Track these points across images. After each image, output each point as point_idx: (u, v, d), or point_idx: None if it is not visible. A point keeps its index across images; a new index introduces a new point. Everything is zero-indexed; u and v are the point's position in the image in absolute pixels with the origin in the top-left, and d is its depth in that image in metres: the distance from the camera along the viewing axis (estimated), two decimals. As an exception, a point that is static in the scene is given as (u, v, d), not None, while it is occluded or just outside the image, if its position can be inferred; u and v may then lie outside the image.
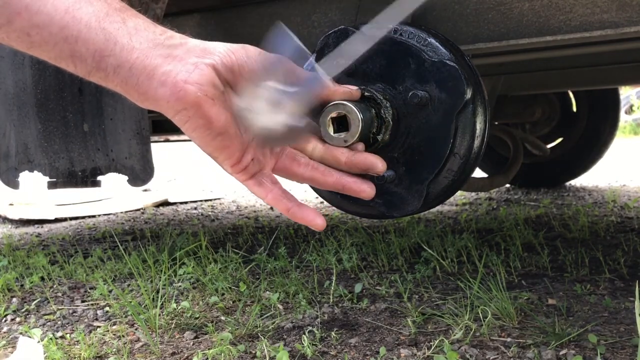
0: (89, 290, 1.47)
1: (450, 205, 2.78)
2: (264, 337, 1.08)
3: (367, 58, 0.76)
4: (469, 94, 0.75)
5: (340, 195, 0.82)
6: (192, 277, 1.50)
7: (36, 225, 2.83)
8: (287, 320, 1.18)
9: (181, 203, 3.45)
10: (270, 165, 0.63)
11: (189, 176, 5.38)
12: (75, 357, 1.05)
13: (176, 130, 2.27)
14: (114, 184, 1.74)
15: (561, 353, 0.95)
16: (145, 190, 4.14)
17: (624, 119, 9.43)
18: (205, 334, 1.14)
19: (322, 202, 3.01)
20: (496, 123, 2.55)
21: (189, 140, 2.51)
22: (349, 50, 0.65)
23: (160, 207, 3.29)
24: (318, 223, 0.61)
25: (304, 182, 0.65)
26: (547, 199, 2.83)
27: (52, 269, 1.66)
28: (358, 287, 1.34)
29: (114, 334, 1.17)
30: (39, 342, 1.08)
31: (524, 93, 2.50)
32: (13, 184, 1.36)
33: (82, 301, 1.40)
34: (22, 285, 1.55)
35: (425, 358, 0.97)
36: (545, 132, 2.91)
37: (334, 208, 2.17)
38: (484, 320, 1.08)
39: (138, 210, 3.21)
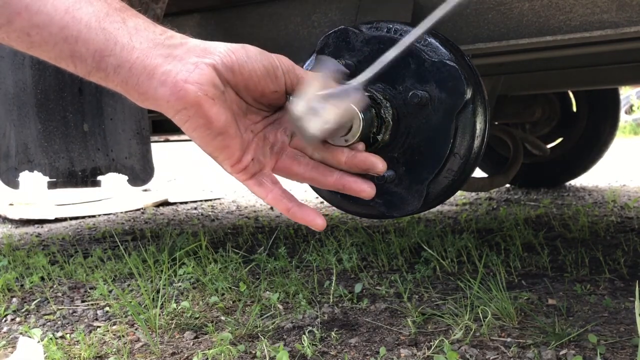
0: (89, 290, 1.47)
1: (450, 205, 2.78)
2: (264, 337, 1.08)
3: (367, 58, 0.76)
4: (469, 94, 0.75)
5: (340, 195, 0.82)
6: (192, 277, 1.50)
7: (36, 225, 2.83)
8: (287, 320, 1.18)
9: (181, 203, 3.45)
10: (270, 165, 0.63)
11: (189, 176, 5.39)
12: (75, 357, 1.05)
13: (176, 130, 2.26)
14: (114, 184, 1.74)
15: (561, 353, 0.95)
16: (145, 190, 4.14)
17: (624, 119, 9.43)
18: (205, 334, 1.14)
19: (322, 202, 3.01)
20: (496, 123, 2.55)
21: (189, 140, 2.51)
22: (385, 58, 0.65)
23: (160, 207, 3.29)
24: (318, 223, 0.61)
25: (304, 181, 0.65)
26: (547, 199, 2.83)
27: (52, 269, 1.66)
28: (358, 287, 1.34)
29: (114, 334, 1.17)
30: (39, 342, 1.09)
31: (524, 93, 2.50)
32: (13, 183, 1.36)
33: (82, 301, 1.40)
34: (22, 285, 1.55)
35: (425, 358, 0.97)
36: (545, 132, 2.91)
37: (334, 208, 2.17)
38: (484, 320, 1.08)
39: (138, 210, 3.21)
